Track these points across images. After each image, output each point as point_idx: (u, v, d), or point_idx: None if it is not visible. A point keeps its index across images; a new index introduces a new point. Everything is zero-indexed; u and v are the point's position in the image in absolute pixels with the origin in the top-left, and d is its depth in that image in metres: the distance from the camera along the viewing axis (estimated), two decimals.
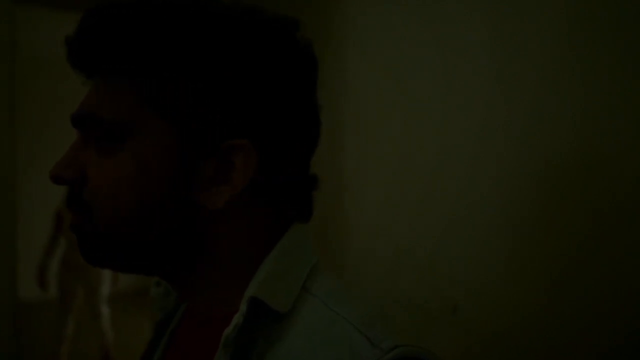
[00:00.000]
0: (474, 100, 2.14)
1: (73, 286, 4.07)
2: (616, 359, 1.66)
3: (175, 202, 0.57)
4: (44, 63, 5.38)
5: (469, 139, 2.16)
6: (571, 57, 1.80)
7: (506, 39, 2.01)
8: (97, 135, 0.58)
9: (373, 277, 2.55)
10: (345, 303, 0.60)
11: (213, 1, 0.60)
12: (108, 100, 0.57)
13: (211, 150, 0.57)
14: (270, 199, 0.62)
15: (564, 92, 1.83)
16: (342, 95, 2.76)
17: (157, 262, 0.61)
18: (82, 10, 0.58)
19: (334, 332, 0.57)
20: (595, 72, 1.73)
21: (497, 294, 2.06)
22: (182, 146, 0.57)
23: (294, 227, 0.64)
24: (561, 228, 1.84)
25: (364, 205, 2.67)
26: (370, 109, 2.68)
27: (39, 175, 2.30)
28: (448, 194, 2.25)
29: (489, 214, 2.10)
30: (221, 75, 0.56)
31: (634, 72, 1.63)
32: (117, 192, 0.57)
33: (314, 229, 0.68)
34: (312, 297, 0.60)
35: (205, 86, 0.56)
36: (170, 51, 0.56)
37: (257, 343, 0.57)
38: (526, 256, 1.97)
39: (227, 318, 0.59)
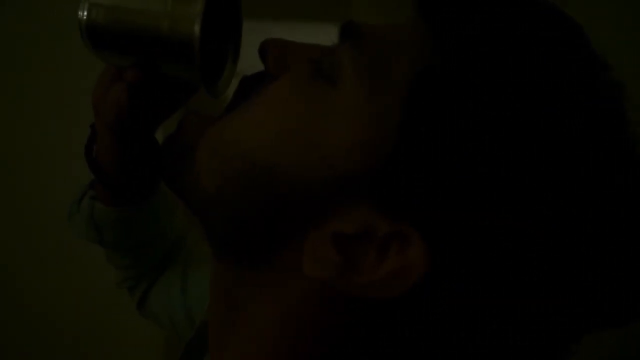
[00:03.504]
0: None
1: None
2: None
3: (293, 205, 0.38)
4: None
5: None
6: None
7: None
8: (337, 57, 0.39)
9: None
10: None
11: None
12: (392, 36, 0.39)
13: (380, 206, 0.35)
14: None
15: None
16: None
17: (215, 229, 0.42)
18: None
19: None
20: None
21: None
22: (372, 160, 0.36)
23: None
24: None
25: None
26: None
27: None
28: None
29: None
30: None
31: None
32: (269, 122, 0.40)
33: None
34: None
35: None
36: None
37: None
38: None
39: None
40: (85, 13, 0.47)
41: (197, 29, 0.43)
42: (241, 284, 0.41)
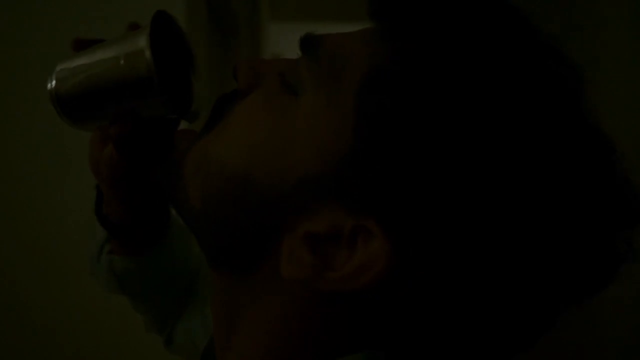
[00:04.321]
0: None
1: None
2: None
3: (268, 212, 0.39)
4: None
5: None
6: None
7: None
8: (299, 68, 0.42)
9: None
10: None
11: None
12: (346, 45, 0.40)
13: (344, 203, 0.37)
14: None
15: None
16: None
17: (206, 240, 0.44)
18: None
19: None
20: None
21: None
22: (334, 160, 0.38)
23: None
24: None
25: None
26: None
27: None
28: None
29: None
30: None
31: None
32: (239, 136, 0.42)
33: None
34: None
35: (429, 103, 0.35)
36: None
37: None
38: None
39: None
40: (54, 82, 0.49)
41: (148, 54, 0.46)
42: (236, 290, 0.42)
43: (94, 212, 0.57)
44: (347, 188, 0.37)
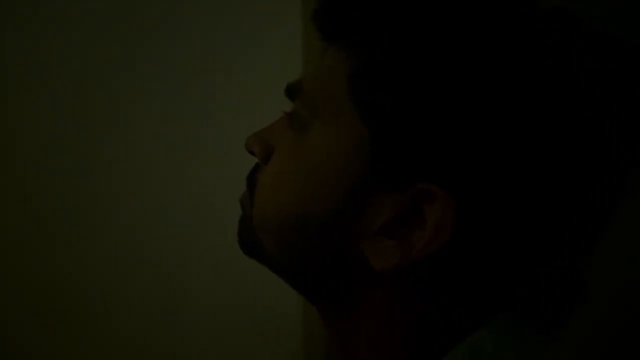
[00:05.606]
0: None
1: None
2: None
3: (336, 230, 0.45)
4: None
5: None
6: None
7: None
8: (297, 111, 0.48)
9: None
10: None
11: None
12: (320, 70, 0.47)
13: (395, 184, 0.42)
14: (467, 289, 0.43)
15: None
16: None
17: (299, 284, 0.50)
18: None
19: None
20: None
21: None
22: (365, 159, 0.43)
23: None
24: None
25: None
26: None
27: None
28: None
29: None
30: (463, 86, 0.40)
31: None
32: (278, 187, 0.48)
33: None
34: None
35: (432, 92, 0.40)
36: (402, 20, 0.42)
37: None
38: None
39: None
40: None
41: None
42: (344, 314, 0.47)
43: None
44: (388, 173, 0.42)
